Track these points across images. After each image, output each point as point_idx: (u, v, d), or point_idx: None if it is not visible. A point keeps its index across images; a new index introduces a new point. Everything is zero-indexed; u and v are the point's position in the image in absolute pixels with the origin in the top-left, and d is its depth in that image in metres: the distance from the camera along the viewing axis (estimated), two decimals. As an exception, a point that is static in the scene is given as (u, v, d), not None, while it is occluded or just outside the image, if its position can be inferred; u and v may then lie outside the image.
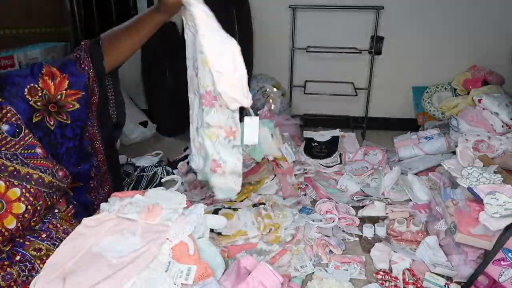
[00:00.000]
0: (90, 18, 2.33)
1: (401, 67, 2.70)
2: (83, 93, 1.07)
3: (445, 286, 1.26)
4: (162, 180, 1.88)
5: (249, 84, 2.99)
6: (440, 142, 2.14)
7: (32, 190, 0.92)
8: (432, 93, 2.62)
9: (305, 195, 1.79)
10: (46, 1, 2.16)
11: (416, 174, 1.94)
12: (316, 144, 2.22)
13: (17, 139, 0.94)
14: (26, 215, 0.91)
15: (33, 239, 0.94)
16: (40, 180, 0.95)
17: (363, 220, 1.63)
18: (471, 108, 2.19)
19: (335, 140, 2.24)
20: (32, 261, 0.90)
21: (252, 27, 2.60)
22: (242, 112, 1.11)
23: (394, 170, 1.92)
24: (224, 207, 1.53)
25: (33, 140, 0.97)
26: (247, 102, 1.04)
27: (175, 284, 0.88)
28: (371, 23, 2.55)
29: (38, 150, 0.97)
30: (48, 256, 0.90)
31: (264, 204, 1.59)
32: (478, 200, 1.25)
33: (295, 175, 1.90)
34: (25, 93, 0.97)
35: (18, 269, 0.89)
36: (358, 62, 2.68)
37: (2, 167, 0.90)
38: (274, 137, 1.95)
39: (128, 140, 2.55)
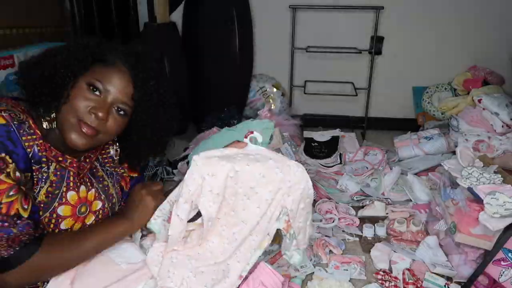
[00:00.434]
0: (90, 18, 2.33)
1: (401, 67, 2.70)
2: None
3: (445, 286, 1.26)
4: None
5: (249, 84, 2.99)
6: (440, 142, 2.14)
7: (106, 210, 0.98)
8: (432, 93, 2.62)
9: (305, 195, 1.79)
10: (46, 1, 2.16)
11: (416, 174, 1.94)
12: (316, 144, 2.22)
13: (117, 163, 1.04)
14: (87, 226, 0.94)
15: None
16: (113, 206, 1.01)
17: (363, 220, 1.63)
18: (471, 108, 2.19)
19: (335, 140, 2.25)
20: None
21: (252, 27, 2.60)
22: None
23: (394, 170, 1.92)
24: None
25: (124, 173, 1.07)
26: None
27: None
28: (371, 23, 2.55)
29: (123, 183, 1.06)
30: None
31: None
32: (478, 200, 1.25)
33: (295, 175, 1.90)
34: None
35: None
36: (358, 62, 2.68)
37: (100, 179, 0.98)
38: (274, 137, 1.95)
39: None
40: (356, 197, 1.80)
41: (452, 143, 2.13)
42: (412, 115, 2.76)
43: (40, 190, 0.84)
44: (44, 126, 0.87)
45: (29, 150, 0.80)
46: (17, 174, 0.76)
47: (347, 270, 1.33)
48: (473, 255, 1.28)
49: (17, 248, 0.76)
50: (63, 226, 0.88)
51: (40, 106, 0.86)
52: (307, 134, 2.33)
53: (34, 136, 0.82)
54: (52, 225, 0.86)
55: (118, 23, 2.48)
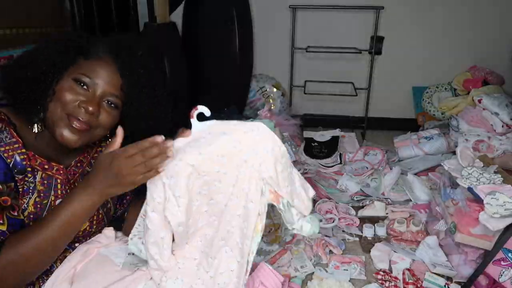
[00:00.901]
0: (90, 18, 2.32)
1: (401, 67, 2.70)
2: None
3: (445, 286, 1.26)
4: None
5: (249, 84, 2.99)
6: (440, 142, 2.14)
7: (100, 215, 0.96)
8: (432, 93, 2.62)
9: (305, 195, 1.79)
10: (46, 1, 2.16)
11: (416, 174, 1.94)
12: (316, 144, 2.22)
13: None
14: (80, 233, 0.92)
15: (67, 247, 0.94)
16: (108, 212, 1.00)
17: (363, 220, 1.63)
18: (471, 108, 2.19)
19: (335, 140, 2.25)
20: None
21: (252, 27, 2.60)
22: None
23: (394, 170, 1.92)
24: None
25: None
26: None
27: None
28: (371, 23, 2.55)
29: None
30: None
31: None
32: (478, 200, 1.25)
33: (295, 175, 1.90)
34: None
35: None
36: (358, 62, 2.68)
37: None
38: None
39: (128, 140, 2.55)
40: (356, 197, 1.80)
41: (452, 143, 2.13)
42: (412, 115, 2.75)
43: (28, 201, 0.81)
44: (35, 130, 0.84)
45: (9, 160, 0.77)
46: None
47: (347, 270, 1.33)
48: (473, 255, 1.28)
49: None
50: None
51: (27, 108, 0.82)
52: (307, 134, 2.33)
53: (16, 145, 0.79)
54: None
55: (118, 23, 2.48)
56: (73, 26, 2.25)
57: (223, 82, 2.52)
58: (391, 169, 1.96)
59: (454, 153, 1.76)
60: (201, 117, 0.81)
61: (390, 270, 1.35)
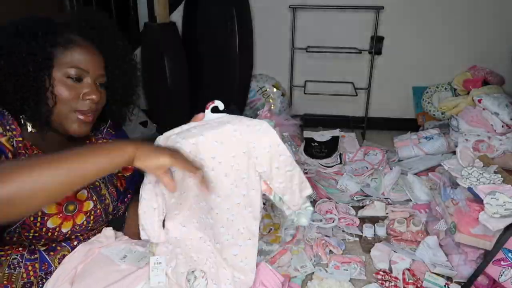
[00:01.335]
0: (90, 18, 2.33)
1: (401, 67, 2.69)
2: None
3: (445, 286, 1.26)
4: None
5: (249, 84, 2.99)
6: (440, 142, 2.14)
7: (98, 211, 0.97)
8: (432, 93, 2.62)
9: (305, 195, 1.79)
10: (46, 1, 2.16)
11: (416, 174, 1.94)
12: (316, 144, 2.22)
13: None
14: (77, 228, 0.93)
15: (65, 244, 0.94)
16: (106, 207, 1.01)
17: (363, 220, 1.63)
18: (471, 108, 2.19)
19: (335, 140, 2.24)
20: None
21: (252, 27, 2.60)
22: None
23: (394, 170, 1.92)
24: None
25: (119, 173, 1.07)
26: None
27: None
28: (371, 23, 2.55)
29: (119, 182, 1.07)
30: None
31: (264, 204, 1.59)
32: (478, 200, 1.25)
33: (295, 175, 1.90)
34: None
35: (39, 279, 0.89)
36: (358, 62, 2.68)
37: None
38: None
39: (128, 140, 2.55)
40: (356, 197, 1.80)
41: (452, 143, 2.13)
42: (412, 115, 2.75)
43: None
44: (29, 130, 0.86)
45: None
46: None
47: (347, 270, 1.33)
48: (473, 255, 1.28)
49: None
50: (49, 224, 0.87)
51: (26, 113, 0.84)
52: (307, 134, 2.33)
53: (14, 132, 0.82)
54: (38, 224, 0.85)
55: (118, 23, 2.48)
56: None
57: (223, 82, 2.52)
58: (391, 169, 1.96)
59: (454, 153, 1.76)
60: (215, 111, 0.87)
61: (390, 270, 1.35)
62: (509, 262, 1.13)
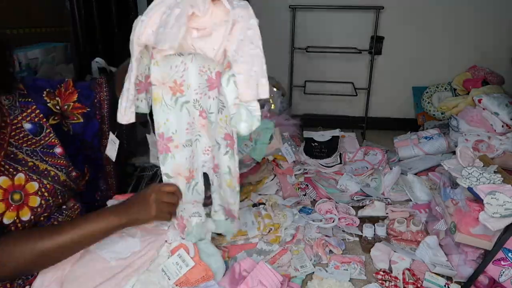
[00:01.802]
0: (90, 18, 2.32)
1: (401, 67, 2.70)
2: (89, 109, 1.11)
3: (445, 286, 1.26)
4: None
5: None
6: (440, 142, 2.14)
7: (48, 186, 0.96)
8: (432, 93, 2.62)
9: (305, 195, 1.79)
10: (46, 1, 2.16)
11: (416, 174, 1.94)
12: (316, 144, 2.22)
13: (38, 137, 0.99)
14: (39, 209, 0.92)
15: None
16: (56, 178, 0.99)
17: (363, 220, 1.63)
18: (471, 108, 2.19)
19: (335, 140, 2.24)
20: None
21: (252, 27, 2.60)
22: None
23: (394, 170, 1.92)
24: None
25: (53, 140, 1.02)
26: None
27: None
28: (371, 23, 2.55)
29: (57, 150, 1.02)
30: None
31: (264, 204, 1.59)
32: (478, 200, 1.25)
33: (295, 175, 1.90)
34: (44, 95, 1.05)
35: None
36: (358, 62, 2.68)
37: (23, 162, 0.94)
38: (274, 137, 1.95)
39: (128, 140, 2.55)
40: (356, 197, 1.80)
41: (452, 143, 2.13)
42: (412, 115, 2.76)
43: None
44: None
45: None
46: None
47: (347, 270, 1.32)
48: (473, 255, 1.28)
49: None
50: (6, 221, 0.85)
51: None
52: (307, 134, 2.32)
53: None
54: None
55: (118, 23, 2.48)
56: (73, 26, 2.25)
57: (223, 82, 2.52)
58: (391, 169, 1.96)
59: (454, 153, 1.76)
60: None
61: (390, 270, 1.35)
62: (509, 262, 1.13)
